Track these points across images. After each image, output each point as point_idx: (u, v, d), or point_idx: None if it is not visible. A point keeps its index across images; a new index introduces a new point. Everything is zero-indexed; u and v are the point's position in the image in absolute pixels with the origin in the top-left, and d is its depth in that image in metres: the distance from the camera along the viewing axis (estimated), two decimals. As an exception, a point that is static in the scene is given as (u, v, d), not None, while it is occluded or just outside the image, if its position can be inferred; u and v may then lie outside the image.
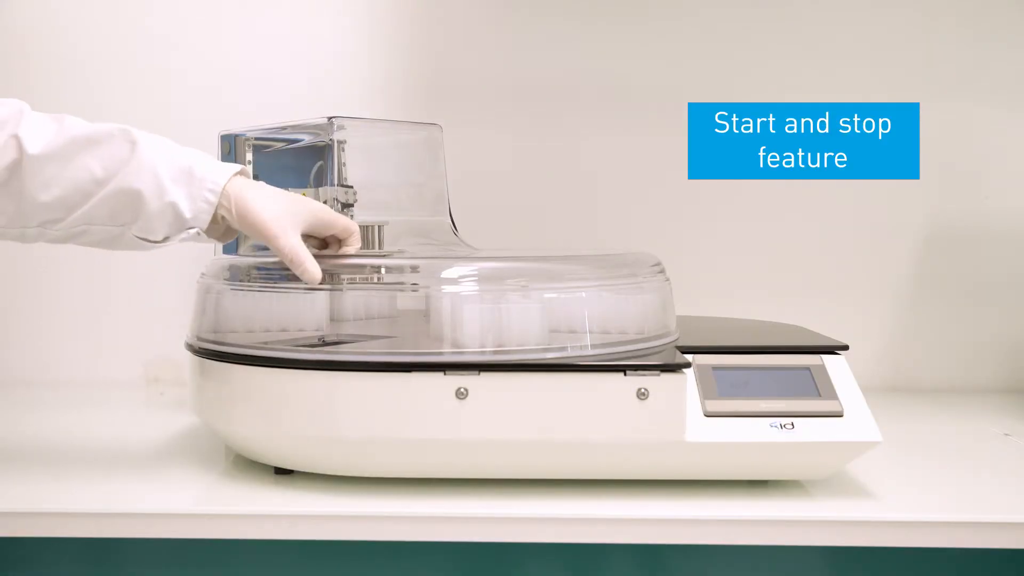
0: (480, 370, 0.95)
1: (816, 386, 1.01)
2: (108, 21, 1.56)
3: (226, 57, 1.57)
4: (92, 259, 1.59)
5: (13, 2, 1.55)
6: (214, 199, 0.97)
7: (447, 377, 0.95)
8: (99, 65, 1.56)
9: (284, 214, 1.00)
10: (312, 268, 0.99)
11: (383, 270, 1.07)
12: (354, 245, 1.08)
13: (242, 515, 0.94)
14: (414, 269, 1.09)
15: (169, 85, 1.56)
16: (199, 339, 1.09)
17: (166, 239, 0.98)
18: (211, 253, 1.25)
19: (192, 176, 0.97)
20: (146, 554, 0.94)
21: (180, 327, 1.25)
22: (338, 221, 1.07)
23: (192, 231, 0.98)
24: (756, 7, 1.59)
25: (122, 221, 0.97)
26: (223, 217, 0.99)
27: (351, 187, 1.37)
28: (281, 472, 1.03)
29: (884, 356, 1.62)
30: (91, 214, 0.97)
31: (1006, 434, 1.29)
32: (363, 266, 1.07)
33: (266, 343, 1.02)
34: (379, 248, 1.30)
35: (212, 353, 1.04)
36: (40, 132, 0.96)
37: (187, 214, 0.97)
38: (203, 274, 1.14)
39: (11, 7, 1.55)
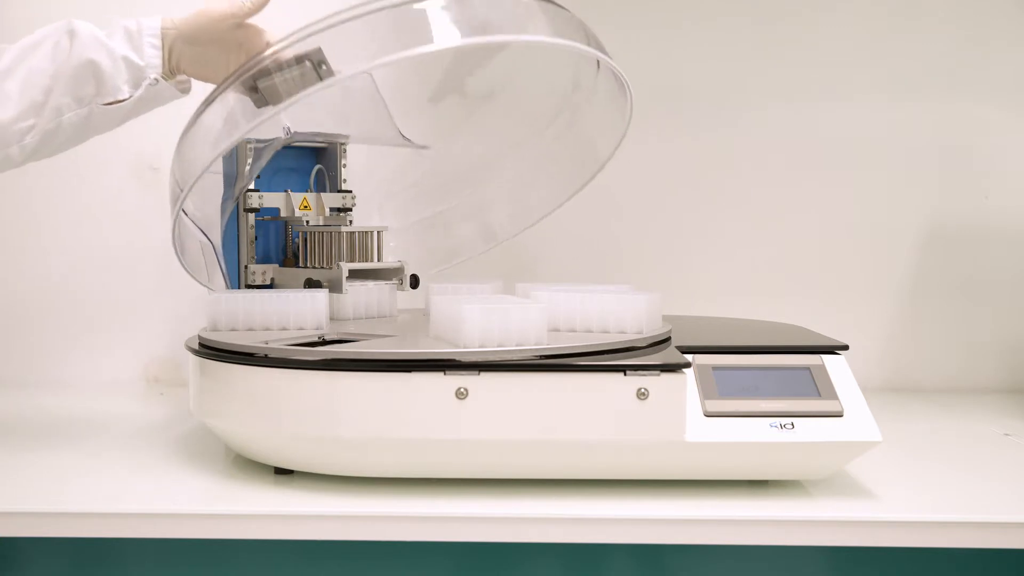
0: (480, 370, 0.95)
1: (816, 386, 1.01)
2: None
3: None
4: (93, 259, 1.59)
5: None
6: (158, 41, 1.09)
7: (447, 377, 0.95)
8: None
9: None
10: None
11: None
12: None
13: (242, 515, 0.94)
14: None
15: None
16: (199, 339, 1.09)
17: (131, 96, 1.08)
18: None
19: (130, 33, 1.09)
20: (146, 554, 0.94)
21: (180, 327, 1.25)
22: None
23: (151, 79, 1.08)
24: (759, 14, 1.59)
25: (87, 97, 1.08)
26: (172, 53, 1.09)
27: (350, 191, 1.37)
28: (281, 472, 1.03)
29: (884, 356, 1.62)
30: (57, 105, 1.07)
31: (1006, 434, 1.29)
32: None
33: (266, 343, 1.02)
34: (379, 255, 1.30)
35: (212, 353, 1.04)
36: None
37: (140, 62, 1.08)
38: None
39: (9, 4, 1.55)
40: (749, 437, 0.97)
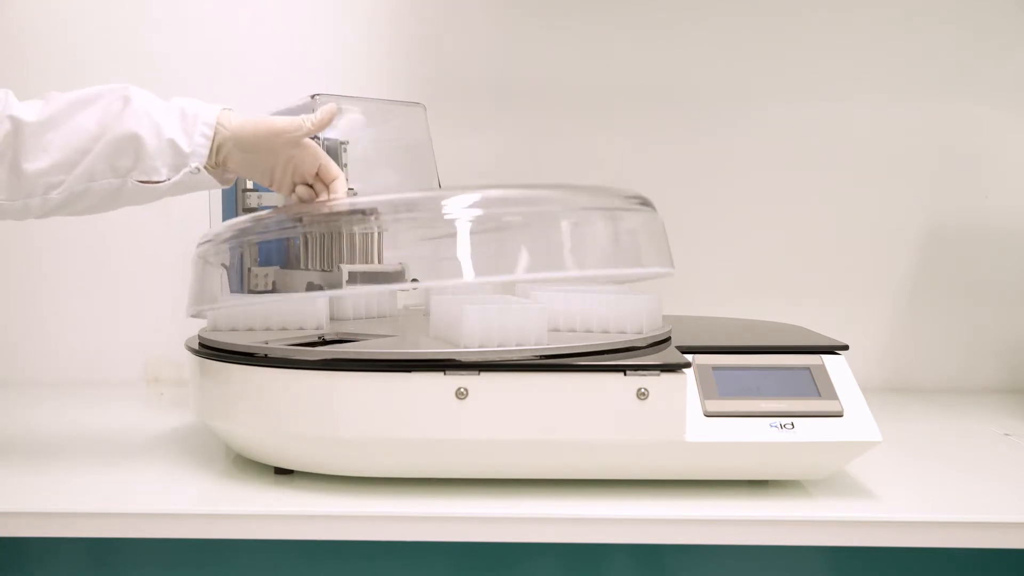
0: (480, 370, 0.95)
1: (816, 386, 1.01)
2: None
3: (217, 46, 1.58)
4: (93, 259, 1.59)
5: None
6: (210, 132, 1.02)
7: (447, 377, 0.95)
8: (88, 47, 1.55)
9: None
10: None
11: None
12: (340, 190, 1.10)
13: (242, 515, 0.94)
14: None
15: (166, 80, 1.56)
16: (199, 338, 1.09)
17: (168, 179, 1.02)
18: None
19: (185, 115, 1.02)
20: (146, 554, 0.94)
21: (180, 327, 1.25)
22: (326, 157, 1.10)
23: (192, 167, 1.02)
24: (758, 14, 1.59)
25: (123, 169, 1.01)
26: (220, 149, 1.03)
27: (352, 189, 1.37)
28: (281, 472, 1.03)
29: (884, 356, 1.62)
30: (91, 169, 1.01)
31: (1006, 434, 1.29)
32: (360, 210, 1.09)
33: (266, 343, 1.02)
34: (379, 257, 1.30)
35: (212, 353, 1.04)
36: (31, 105, 1.01)
37: (186, 148, 1.01)
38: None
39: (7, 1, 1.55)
40: (749, 437, 0.97)
